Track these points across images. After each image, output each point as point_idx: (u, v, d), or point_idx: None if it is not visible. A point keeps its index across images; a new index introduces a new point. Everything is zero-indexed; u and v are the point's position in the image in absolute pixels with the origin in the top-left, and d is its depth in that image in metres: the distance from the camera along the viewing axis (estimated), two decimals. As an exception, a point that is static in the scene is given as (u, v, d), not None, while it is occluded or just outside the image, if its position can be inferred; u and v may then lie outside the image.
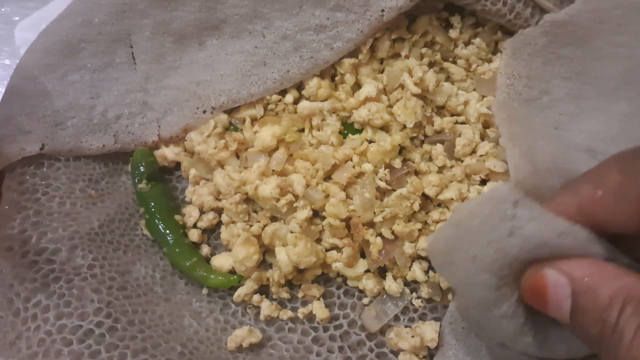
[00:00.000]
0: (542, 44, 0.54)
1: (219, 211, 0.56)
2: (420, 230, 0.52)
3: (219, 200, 0.56)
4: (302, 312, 0.52)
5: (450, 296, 0.51)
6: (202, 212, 0.56)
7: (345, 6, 0.55)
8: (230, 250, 0.55)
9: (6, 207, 0.52)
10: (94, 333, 0.47)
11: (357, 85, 0.58)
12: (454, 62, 0.59)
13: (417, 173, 0.55)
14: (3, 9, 0.71)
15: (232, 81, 0.57)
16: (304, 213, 0.52)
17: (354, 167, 0.53)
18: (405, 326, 0.51)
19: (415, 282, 0.52)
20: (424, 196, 0.53)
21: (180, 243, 0.53)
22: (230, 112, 0.58)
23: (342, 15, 0.56)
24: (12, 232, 0.51)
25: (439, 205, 0.54)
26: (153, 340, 0.48)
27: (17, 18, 0.71)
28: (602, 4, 0.52)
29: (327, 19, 0.56)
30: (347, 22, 0.56)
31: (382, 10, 0.54)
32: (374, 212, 0.52)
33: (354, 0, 0.55)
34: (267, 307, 0.52)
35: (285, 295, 0.52)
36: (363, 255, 0.53)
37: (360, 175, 0.53)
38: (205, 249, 0.55)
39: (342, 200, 0.52)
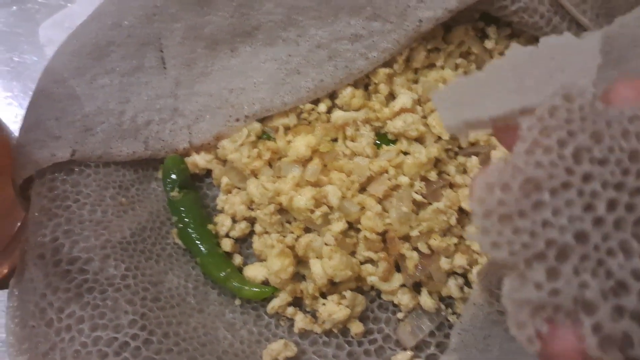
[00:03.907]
0: (576, 62, 0.53)
1: (251, 220, 0.56)
2: (456, 245, 0.52)
3: (252, 209, 0.55)
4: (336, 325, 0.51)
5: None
6: (234, 221, 0.56)
7: (381, 16, 0.55)
8: (262, 260, 0.54)
9: (36, 214, 0.52)
10: (130, 346, 0.47)
11: (391, 95, 0.58)
12: (488, 73, 0.59)
13: (451, 186, 0.54)
14: (25, 6, 0.70)
15: (266, 89, 0.56)
16: (339, 225, 0.52)
17: (389, 179, 0.53)
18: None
19: (450, 297, 0.52)
20: (460, 210, 0.53)
21: (214, 253, 0.53)
22: (262, 120, 0.57)
23: (379, 25, 0.55)
24: (43, 239, 0.50)
25: (475, 219, 0.53)
26: (189, 353, 0.48)
27: (39, 16, 0.70)
28: (635, 31, 0.52)
29: (363, 28, 0.55)
30: (383, 32, 0.55)
31: (420, 21, 0.54)
32: (410, 226, 0.51)
33: (390, 10, 0.54)
34: (301, 320, 0.51)
35: (319, 307, 0.52)
36: (398, 269, 0.52)
37: (395, 187, 0.53)
38: (237, 259, 0.55)
39: (378, 213, 0.51)
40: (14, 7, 0.69)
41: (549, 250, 0.26)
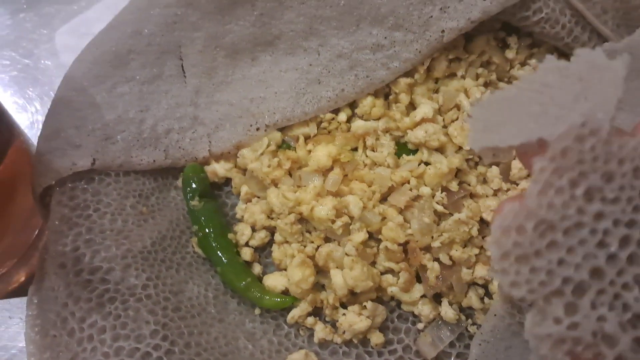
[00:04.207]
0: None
1: (270, 229, 0.56)
2: (477, 255, 0.52)
3: (271, 218, 0.55)
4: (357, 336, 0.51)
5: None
6: (253, 230, 0.56)
7: (404, 26, 0.54)
8: (281, 270, 0.54)
9: (56, 223, 0.52)
10: (152, 356, 0.46)
11: (411, 105, 0.58)
12: (510, 83, 0.59)
13: (472, 196, 0.54)
14: (43, 11, 0.70)
15: (286, 99, 0.56)
16: (360, 236, 0.51)
17: (410, 189, 0.53)
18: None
19: (470, 308, 0.52)
20: (481, 220, 0.52)
21: (234, 262, 0.53)
22: (283, 129, 0.57)
23: (401, 34, 0.55)
24: (64, 249, 0.50)
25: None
26: (211, 364, 0.48)
27: (56, 21, 0.70)
28: None
29: (385, 38, 0.55)
30: (405, 42, 0.55)
31: (443, 31, 0.54)
32: (432, 237, 0.51)
33: (413, 20, 0.54)
34: (321, 330, 0.51)
35: (339, 317, 0.52)
36: (418, 279, 0.52)
37: (417, 198, 0.53)
38: (257, 268, 0.55)
39: (399, 224, 0.51)
40: (31, 13, 0.69)
41: (565, 286, 0.27)
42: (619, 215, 0.27)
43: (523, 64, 0.58)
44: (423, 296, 0.52)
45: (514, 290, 0.27)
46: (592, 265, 0.27)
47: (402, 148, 0.56)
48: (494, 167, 0.55)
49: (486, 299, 0.52)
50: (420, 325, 0.52)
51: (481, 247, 0.52)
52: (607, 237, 0.27)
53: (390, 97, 0.58)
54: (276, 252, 0.54)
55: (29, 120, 0.66)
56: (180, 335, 0.48)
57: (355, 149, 0.56)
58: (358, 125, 0.56)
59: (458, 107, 0.56)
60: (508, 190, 0.54)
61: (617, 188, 0.27)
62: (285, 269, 0.53)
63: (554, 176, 0.27)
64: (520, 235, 0.27)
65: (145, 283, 0.50)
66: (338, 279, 0.51)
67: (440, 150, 0.55)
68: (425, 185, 0.53)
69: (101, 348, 0.46)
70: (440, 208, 0.52)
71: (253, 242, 0.55)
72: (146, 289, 0.50)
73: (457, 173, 0.55)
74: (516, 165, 0.54)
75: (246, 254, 0.54)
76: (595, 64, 0.30)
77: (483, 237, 0.53)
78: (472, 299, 0.51)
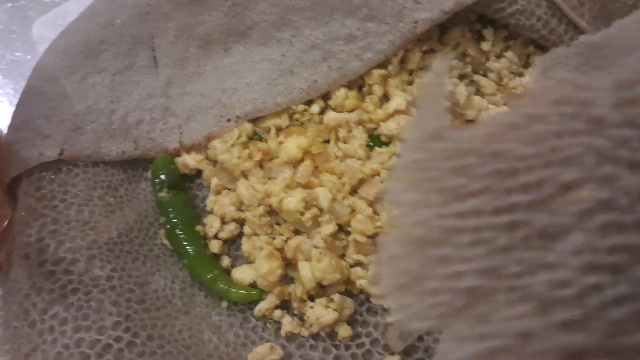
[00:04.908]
0: (574, 65, 0.53)
1: (240, 222, 0.55)
2: (448, 249, 0.51)
3: (241, 210, 0.54)
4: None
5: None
6: (223, 222, 0.55)
7: (377, 17, 0.54)
8: (251, 263, 0.53)
9: (23, 214, 0.51)
10: (113, 348, 0.46)
11: (385, 97, 0.57)
12: (485, 75, 0.58)
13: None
14: (19, 3, 0.69)
15: (258, 90, 0.55)
16: (329, 228, 0.51)
17: (381, 182, 0.52)
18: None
19: (441, 302, 0.51)
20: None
21: (202, 255, 0.52)
22: (254, 121, 0.56)
23: (374, 25, 0.54)
24: (29, 239, 0.50)
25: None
26: (173, 356, 0.47)
27: (33, 13, 0.69)
28: (635, 34, 0.51)
29: (358, 29, 0.54)
30: (378, 33, 0.54)
31: (416, 22, 0.53)
32: (402, 230, 0.50)
33: (386, 11, 0.53)
34: (288, 323, 0.51)
35: (307, 310, 0.51)
36: (388, 273, 0.51)
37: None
38: (225, 261, 0.54)
39: (369, 216, 0.51)
40: (8, 5, 0.69)
41: (469, 298, 0.24)
42: (486, 206, 0.25)
43: (499, 57, 0.58)
44: (392, 290, 0.51)
45: (420, 322, 0.25)
46: (484, 266, 0.24)
47: (375, 140, 0.55)
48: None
49: (457, 294, 0.51)
50: (389, 319, 0.51)
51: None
52: (488, 231, 0.25)
53: (364, 89, 0.57)
54: (245, 244, 0.53)
55: (6, 112, 0.66)
56: (144, 327, 0.48)
57: (327, 141, 0.56)
58: (330, 117, 0.55)
59: (432, 99, 0.55)
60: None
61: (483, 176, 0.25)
62: (254, 262, 0.52)
63: (414, 192, 0.25)
64: (406, 262, 0.25)
65: (110, 274, 0.49)
66: (306, 272, 0.50)
67: (413, 142, 0.55)
68: (396, 178, 0.52)
69: (62, 339, 0.46)
70: (411, 201, 0.51)
71: (222, 235, 0.54)
72: (110, 280, 0.49)
73: (430, 166, 0.54)
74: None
75: (215, 246, 0.54)
76: None
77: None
78: (443, 293, 0.50)
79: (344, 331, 0.50)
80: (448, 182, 0.25)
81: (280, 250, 0.52)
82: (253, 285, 0.52)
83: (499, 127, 0.26)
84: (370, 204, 0.52)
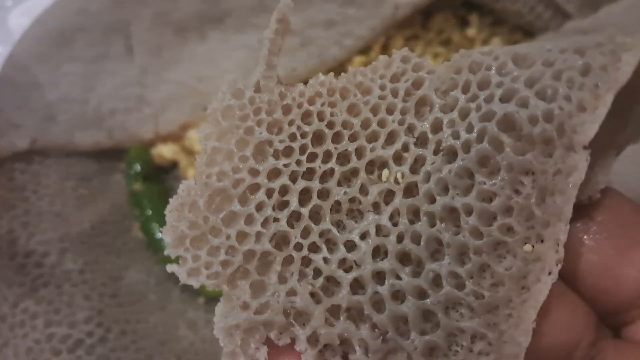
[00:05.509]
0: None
1: (218, 214, 0.54)
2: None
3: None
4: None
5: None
6: (200, 215, 0.54)
7: (356, 1, 0.52)
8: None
9: (-6, 205, 0.50)
10: (85, 343, 0.45)
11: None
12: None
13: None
14: (-5, -8, 0.68)
15: (235, 78, 0.54)
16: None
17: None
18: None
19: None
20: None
21: (177, 248, 0.51)
22: (232, 110, 0.55)
23: (353, 10, 0.53)
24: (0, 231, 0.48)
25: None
26: (146, 352, 0.46)
27: (10, 4, 0.67)
28: (624, 20, 0.50)
29: (337, 14, 0.53)
30: (358, 19, 0.52)
31: (396, 7, 0.51)
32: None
33: (366, -5, 0.52)
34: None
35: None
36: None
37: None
38: (202, 255, 0.53)
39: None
40: (-16, -7, 0.67)
41: (249, 263, 0.23)
42: (294, 168, 0.24)
43: (485, 43, 0.56)
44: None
45: (192, 279, 0.24)
46: (274, 231, 0.23)
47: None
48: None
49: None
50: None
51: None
52: (287, 195, 0.24)
53: (345, 77, 0.55)
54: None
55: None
56: (116, 322, 0.47)
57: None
58: (310, 105, 0.53)
59: (415, 87, 0.54)
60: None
61: (286, 138, 0.24)
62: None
63: (220, 141, 0.24)
64: (194, 214, 0.24)
65: (82, 268, 0.48)
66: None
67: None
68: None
69: (32, 334, 0.45)
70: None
71: (199, 227, 0.53)
72: (83, 273, 0.48)
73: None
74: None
75: (191, 239, 0.52)
76: None
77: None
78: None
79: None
80: (258, 137, 0.24)
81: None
82: (231, 278, 0.51)
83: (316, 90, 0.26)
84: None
